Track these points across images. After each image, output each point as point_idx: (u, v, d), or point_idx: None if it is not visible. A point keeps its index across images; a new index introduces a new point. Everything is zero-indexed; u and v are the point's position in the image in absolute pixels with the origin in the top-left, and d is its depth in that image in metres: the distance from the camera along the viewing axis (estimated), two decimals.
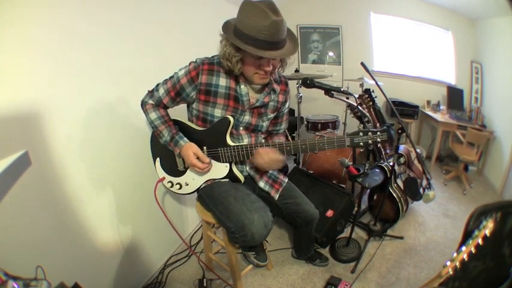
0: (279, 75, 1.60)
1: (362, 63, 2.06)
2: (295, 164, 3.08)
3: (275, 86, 1.54)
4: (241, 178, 1.56)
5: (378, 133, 1.33)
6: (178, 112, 1.65)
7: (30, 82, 1.23)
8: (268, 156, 1.42)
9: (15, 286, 0.86)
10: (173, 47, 2.11)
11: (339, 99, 2.19)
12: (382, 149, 2.56)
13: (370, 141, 1.33)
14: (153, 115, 1.52)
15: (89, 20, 1.45)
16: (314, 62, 4.30)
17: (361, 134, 1.34)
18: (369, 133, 1.33)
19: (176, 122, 1.58)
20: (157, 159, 1.68)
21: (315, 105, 4.16)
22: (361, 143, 1.34)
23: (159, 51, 1.95)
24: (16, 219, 1.21)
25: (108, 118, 1.63)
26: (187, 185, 1.62)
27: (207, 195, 1.57)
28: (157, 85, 1.52)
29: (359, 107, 2.26)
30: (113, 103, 1.65)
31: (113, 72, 1.62)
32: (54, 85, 1.33)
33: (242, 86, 1.45)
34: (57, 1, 1.31)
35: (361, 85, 3.23)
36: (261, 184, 1.65)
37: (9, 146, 1.16)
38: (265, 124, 1.59)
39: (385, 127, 1.35)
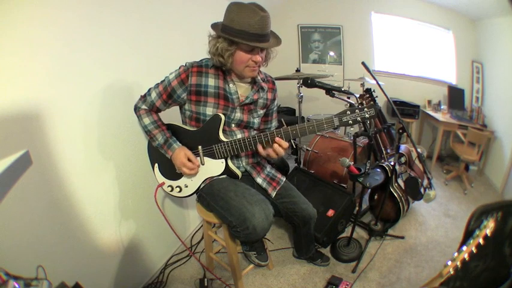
0: (266, 74, 1.68)
1: (363, 63, 2.06)
2: (296, 164, 3.08)
3: (263, 84, 1.61)
4: (239, 173, 1.59)
5: (365, 109, 1.34)
6: (172, 115, 1.66)
7: (31, 82, 1.23)
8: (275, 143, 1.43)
9: (16, 286, 0.86)
10: (173, 47, 2.12)
11: (340, 98, 2.19)
12: (383, 149, 2.56)
13: (358, 118, 1.34)
14: (147, 120, 1.58)
15: (89, 20, 1.46)
16: (315, 61, 4.30)
17: (348, 112, 1.35)
18: (356, 110, 1.34)
19: (169, 126, 1.63)
20: (156, 165, 1.69)
21: (316, 105, 4.16)
22: (350, 121, 1.35)
23: (159, 51, 1.96)
24: (17, 219, 1.21)
25: (109, 118, 1.63)
26: (187, 186, 1.63)
27: (207, 194, 1.59)
28: (149, 89, 1.59)
29: (360, 106, 2.25)
30: (114, 103, 1.65)
31: (113, 72, 1.63)
32: (55, 85, 1.33)
33: (231, 85, 1.52)
34: (57, 2, 1.32)
35: (362, 85, 3.23)
36: (259, 180, 1.67)
37: (10, 146, 1.16)
38: (256, 121, 1.64)
39: (374, 104, 1.35)
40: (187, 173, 1.55)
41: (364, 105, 2.26)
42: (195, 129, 1.57)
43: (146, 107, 1.59)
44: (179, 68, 1.51)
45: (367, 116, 1.34)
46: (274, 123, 1.80)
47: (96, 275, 1.64)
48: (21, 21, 1.18)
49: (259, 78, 1.58)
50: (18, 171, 1.17)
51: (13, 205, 1.16)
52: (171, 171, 1.64)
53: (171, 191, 1.67)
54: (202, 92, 1.49)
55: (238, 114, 1.56)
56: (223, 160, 1.54)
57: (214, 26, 1.43)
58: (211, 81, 1.49)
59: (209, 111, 1.51)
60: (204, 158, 1.56)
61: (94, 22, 1.49)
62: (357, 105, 2.26)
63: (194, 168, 1.54)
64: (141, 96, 1.60)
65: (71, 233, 1.47)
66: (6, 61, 1.14)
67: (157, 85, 1.56)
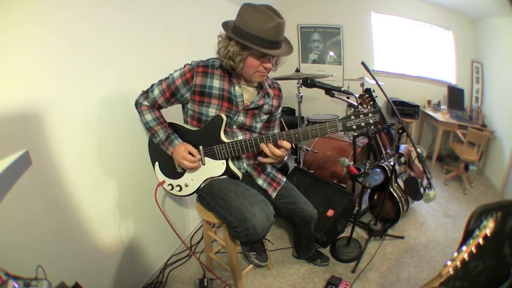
0: (272, 81, 1.67)
1: (363, 63, 2.06)
2: (295, 164, 3.08)
3: (269, 90, 1.60)
4: (239, 174, 1.58)
5: (370, 115, 1.31)
6: (174, 114, 1.66)
7: (31, 82, 1.23)
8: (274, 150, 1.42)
9: (16, 286, 0.86)
10: (174, 47, 2.11)
11: (340, 98, 2.19)
12: (383, 149, 2.56)
13: (362, 124, 1.32)
14: (149, 116, 1.56)
15: (89, 20, 1.46)
16: (315, 61, 4.30)
17: (352, 117, 1.32)
18: (361, 115, 1.32)
19: (170, 124, 1.62)
20: (156, 163, 1.69)
21: (316, 105, 4.16)
22: (354, 126, 1.33)
23: (160, 52, 1.96)
24: (17, 218, 1.21)
25: (109, 118, 1.63)
26: (187, 186, 1.63)
27: (207, 193, 1.58)
28: (152, 86, 1.56)
29: (359, 106, 2.26)
30: (113, 103, 1.65)
31: (113, 72, 1.63)
32: (55, 85, 1.33)
33: (236, 88, 1.51)
34: (57, 2, 1.31)
35: (362, 85, 3.23)
36: (259, 181, 1.67)
37: (9, 146, 1.16)
38: (258, 125, 1.63)
39: (377, 108, 1.34)
40: (189, 166, 1.53)
41: (365, 107, 2.27)
42: (196, 129, 1.56)
43: (148, 104, 1.57)
44: (184, 66, 1.49)
45: (371, 121, 1.31)
46: (276, 131, 1.78)
47: (96, 275, 1.64)
48: (22, 21, 1.18)
49: (266, 84, 1.57)
50: (18, 171, 1.17)
51: (13, 205, 1.16)
52: (171, 170, 1.63)
53: (171, 189, 1.67)
54: (206, 93, 1.47)
55: (241, 118, 1.55)
56: (224, 161, 1.54)
57: (225, 25, 1.39)
58: (216, 83, 1.47)
59: (212, 112, 1.50)
60: (205, 158, 1.56)
61: (94, 22, 1.49)
62: (356, 105, 2.26)
63: (195, 161, 1.52)
64: (143, 91, 1.58)
65: (70, 233, 1.47)
66: (7, 61, 1.14)
67: (160, 82, 1.53)
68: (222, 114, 1.48)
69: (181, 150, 1.51)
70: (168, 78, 1.51)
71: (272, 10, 1.30)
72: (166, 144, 1.55)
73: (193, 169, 1.57)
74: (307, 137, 1.38)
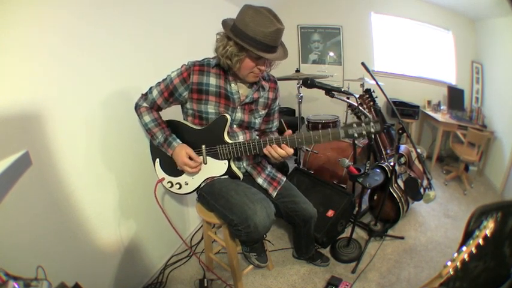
0: (267, 73, 1.68)
1: (362, 63, 2.06)
2: (295, 164, 3.08)
3: (264, 83, 1.61)
4: (240, 175, 1.59)
5: (372, 123, 1.35)
6: (173, 115, 1.66)
7: (31, 82, 1.23)
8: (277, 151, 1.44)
9: (16, 286, 0.86)
10: (174, 47, 2.11)
11: (340, 99, 2.18)
12: (383, 149, 2.56)
13: (364, 132, 1.35)
14: (147, 118, 1.57)
15: (89, 21, 1.46)
16: (315, 62, 4.30)
17: (354, 125, 1.36)
18: (363, 124, 1.35)
19: (173, 123, 1.62)
20: (157, 160, 1.69)
21: (316, 105, 4.16)
22: (356, 134, 1.36)
23: (160, 51, 1.96)
24: (17, 219, 1.21)
25: (108, 118, 1.63)
26: (187, 184, 1.63)
27: (207, 193, 1.59)
28: (151, 88, 1.59)
29: (359, 107, 2.26)
30: (113, 103, 1.65)
31: (113, 73, 1.63)
32: (54, 85, 1.33)
33: (232, 85, 1.53)
34: (58, 2, 1.32)
35: (362, 85, 3.23)
36: (260, 181, 1.67)
37: (9, 146, 1.16)
38: (257, 121, 1.64)
39: (379, 118, 1.36)
40: (190, 172, 1.54)
41: (365, 107, 2.27)
42: (199, 127, 1.57)
43: (147, 105, 1.59)
44: (181, 66, 1.51)
45: (372, 130, 1.35)
46: (276, 123, 1.79)
47: (96, 275, 1.64)
48: (22, 21, 1.18)
49: (260, 77, 1.57)
50: (18, 172, 1.17)
51: (13, 205, 1.16)
52: (171, 168, 1.63)
53: (171, 187, 1.67)
54: (203, 90, 1.49)
55: (239, 114, 1.56)
56: (226, 161, 1.54)
57: (224, 23, 1.42)
58: (212, 80, 1.50)
59: (210, 109, 1.52)
60: (207, 157, 1.56)
61: (94, 22, 1.49)
62: (356, 105, 2.26)
63: (196, 167, 1.54)
64: (142, 94, 1.61)
65: (70, 233, 1.47)
66: (6, 61, 1.14)
67: (158, 83, 1.56)
68: (226, 115, 1.49)
69: (182, 155, 1.51)
70: (165, 79, 1.54)
71: (273, 15, 1.32)
72: (165, 146, 1.56)
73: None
74: (309, 141, 1.42)
